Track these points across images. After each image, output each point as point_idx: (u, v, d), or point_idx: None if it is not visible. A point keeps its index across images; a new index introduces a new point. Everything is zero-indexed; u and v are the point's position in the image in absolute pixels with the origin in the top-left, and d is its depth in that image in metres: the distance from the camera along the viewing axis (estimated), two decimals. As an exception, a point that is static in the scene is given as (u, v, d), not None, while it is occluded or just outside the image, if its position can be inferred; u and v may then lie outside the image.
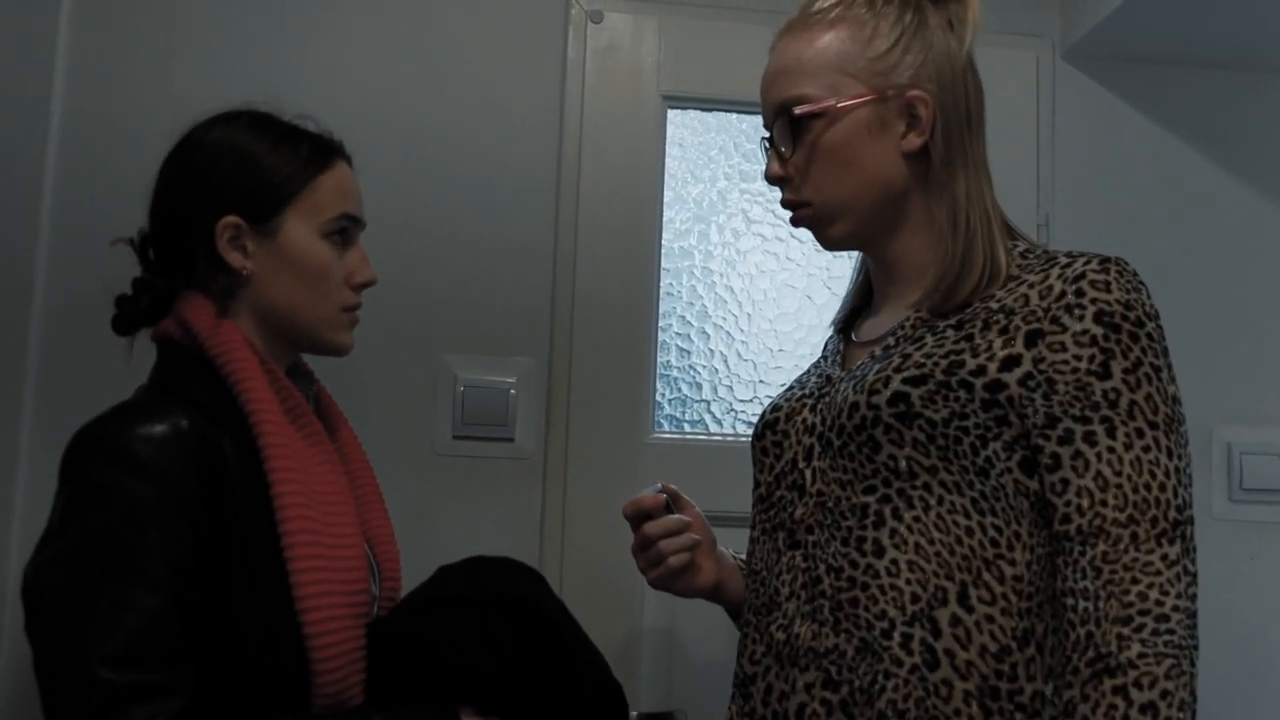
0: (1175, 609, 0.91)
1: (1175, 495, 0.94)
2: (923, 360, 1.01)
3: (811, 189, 1.11)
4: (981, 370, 0.98)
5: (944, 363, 1.00)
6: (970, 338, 1.01)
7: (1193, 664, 0.92)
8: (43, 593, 1.02)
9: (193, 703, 0.99)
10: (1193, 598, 0.94)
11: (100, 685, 0.96)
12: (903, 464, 1.00)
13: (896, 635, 0.98)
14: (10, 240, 1.65)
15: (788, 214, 1.15)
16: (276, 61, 1.80)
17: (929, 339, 1.03)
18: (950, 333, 1.02)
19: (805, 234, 1.16)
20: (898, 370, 1.01)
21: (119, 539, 1.01)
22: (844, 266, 1.65)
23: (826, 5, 1.11)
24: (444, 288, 1.82)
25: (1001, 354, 0.98)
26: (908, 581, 0.99)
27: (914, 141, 1.08)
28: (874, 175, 1.09)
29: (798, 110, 1.08)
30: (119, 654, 0.97)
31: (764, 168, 1.15)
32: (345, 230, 1.20)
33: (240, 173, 1.15)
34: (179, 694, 0.98)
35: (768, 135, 1.14)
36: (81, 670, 0.96)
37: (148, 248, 1.20)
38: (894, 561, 1.00)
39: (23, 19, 1.67)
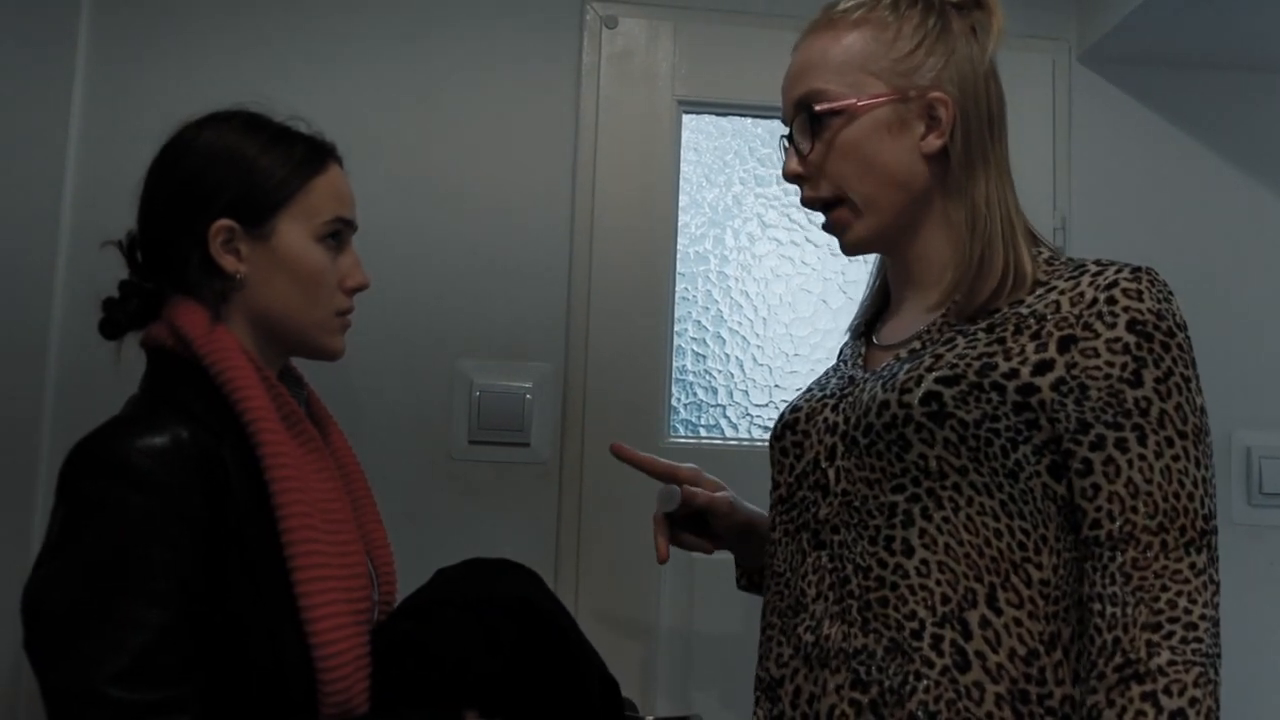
0: (1203, 617, 0.92)
1: (1202, 505, 0.95)
2: (955, 361, 1.01)
3: (829, 186, 1.11)
4: (1014, 373, 0.98)
5: (976, 364, 1.00)
6: (1002, 341, 1.01)
7: (1217, 672, 0.92)
8: (44, 610, 0.99)
9: (201, 717, 0.98)
10: (1217, 606, 0.94)
11: (109, 704, 0.94)
12: (933, 464, 1.00)
13: (927, 636, 0.98)
14: (29, 252, 1.66)
15: (804, 218, 1.16)
16: (294, 68, 1.81)
17: (960, 341, 1.03)
18: (981, 336, 1.02)
19: (821, 238, 1.17)
20: (930, 370, 1.01)
21: (121, 555, 0.99)
22: (859, 271, 1.64)
23: (850, 5, 1.11)
24: (459, 293, 1.82)
25: (1034, 358, 0.98)
26: (938, 582, 0.99)
27: (933, 143, 1.08)
28: (892, 174, 1.09)
29: (818, 107, 1.09)
30: (126, 672, 0.95)
31: (782, 166, 1.15)
32: (338, 234, 1.18)
33: (234, 176, 1.13)
34: (187, 709, 0.97)
35: (787, 134, 1.14)
36: (89, 689, 0.95)
37: (136, 250, 1.18)
38: (924, 561, 0.99)
39: (40, 38, 1.68)
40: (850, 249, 1.15)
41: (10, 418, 1.63)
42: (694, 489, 1.27)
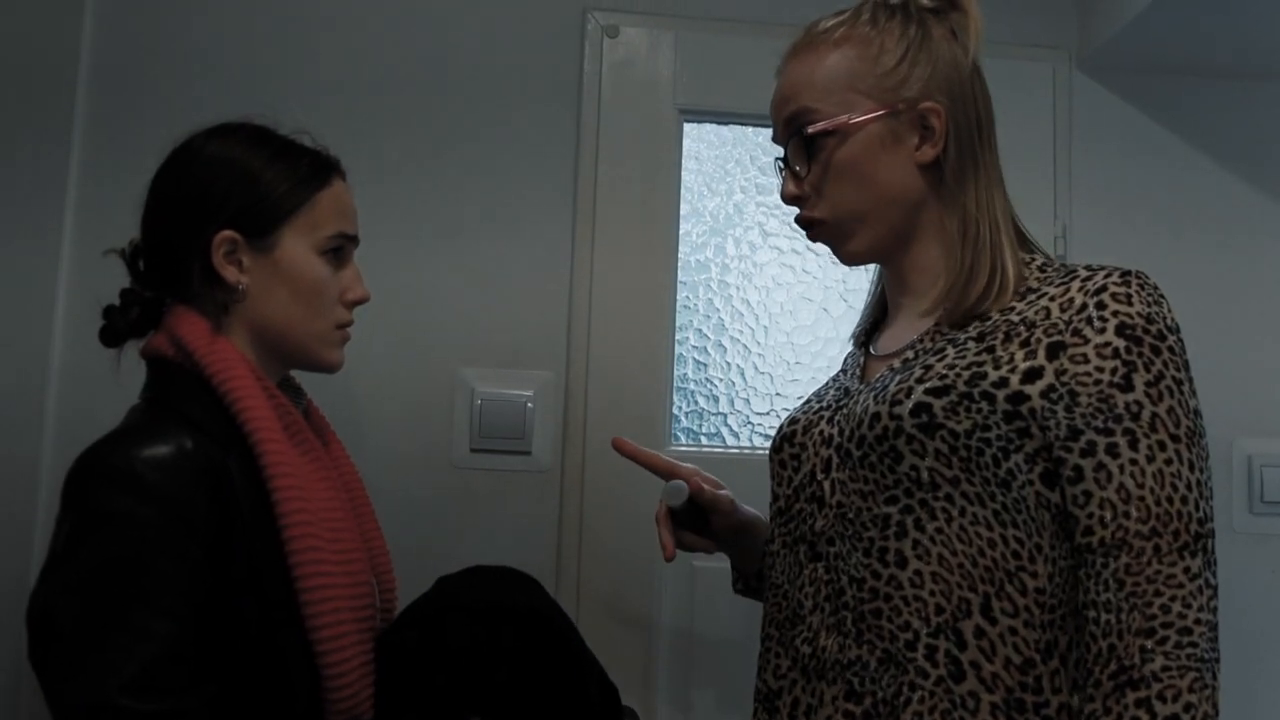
0: (1198, 622, 0.91)
1: (1197, 508, 0.94)
2: (945, 371, 1.01)
3: (827, 206, 1.11)
4: (1004, 382, 0.98)
5: (966, 374, 1.00)
6: (992, 349, 1.01)
7: (1215, 677, 0.91)
8: (53, 621, 0.99)
9: None
10: (1214, 610, 0.93)
11: (120, 713, 0.95)
12: (925, 475, 1.00)
13: (921, 647, 0.98)
14: (31, 250, 1.68)
15: (804, 230, 1.15)
16: (290, 75, 1.81)
17: (950, 351, 1.03)
18: (971, 345, 1.02)
19: (822, 246, 1.17)
20: (919, 381, 1.01)
21: (129, 565, 0.99)
22: (860, 279, 1.64)
23: (831, 25, 1.12)
24: (461, 301, 1.82)
25: (1023, 366, 0.98)
26: (931, 593, 0.98)
27: (928, 153, 1.09)
28: (888, 189, 1.09)
29: (810, 129, 1.09)
30: (136, 682, 0.96)
31: (779, 188, 1.15)
32: (340, 248, 1.19)
33: (239, 187, 1.13)
34: (194, 719, 0.98)
35: (781, 156, 1.15)
36: (99, 699, 0.95)
37: (138, 259, 1.19)
38: (917, 572, 0.99)
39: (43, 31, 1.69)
40: (847, 260, 1.16)
41: (11, 418, 1.64)
42: (700, 484, 1.27)
